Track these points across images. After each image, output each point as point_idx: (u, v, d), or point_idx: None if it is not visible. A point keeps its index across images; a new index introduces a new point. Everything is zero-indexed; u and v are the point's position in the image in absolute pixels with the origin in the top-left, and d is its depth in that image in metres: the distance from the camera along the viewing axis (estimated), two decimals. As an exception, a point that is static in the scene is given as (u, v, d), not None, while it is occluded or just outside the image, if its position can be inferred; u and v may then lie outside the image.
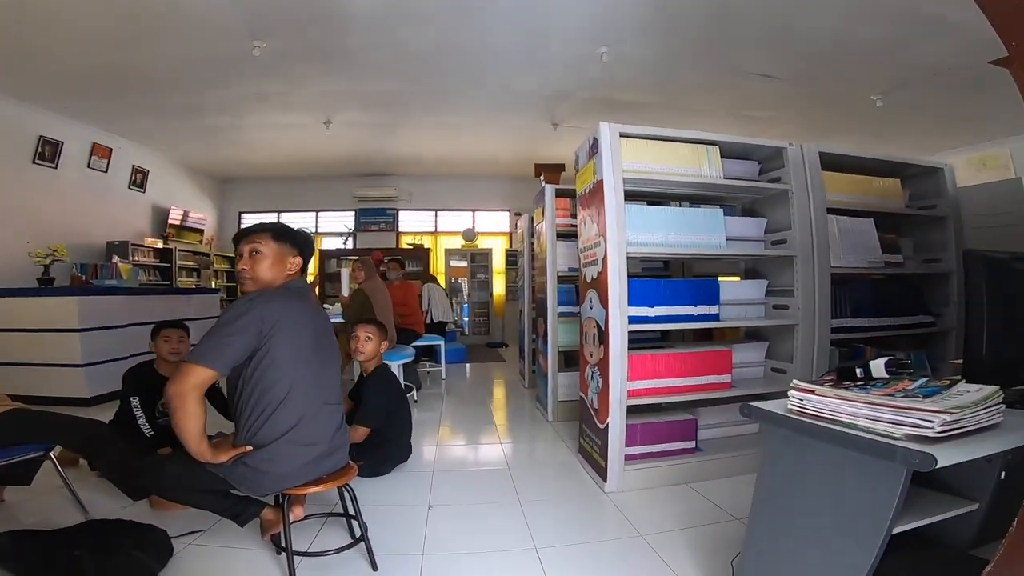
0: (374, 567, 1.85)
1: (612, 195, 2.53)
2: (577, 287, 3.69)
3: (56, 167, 6.06)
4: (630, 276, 2.54)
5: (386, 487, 2.65)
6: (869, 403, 1.15)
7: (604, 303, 2.57)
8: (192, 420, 1.57)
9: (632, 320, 2.55)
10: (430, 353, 5.89)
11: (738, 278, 3.33)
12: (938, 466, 0.98)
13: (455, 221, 10.03)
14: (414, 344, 4.90)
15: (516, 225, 8.14)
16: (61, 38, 4.20)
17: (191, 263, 8.41)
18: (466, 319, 9.30)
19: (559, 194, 4.10)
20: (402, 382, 3.69)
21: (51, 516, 2.16)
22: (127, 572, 1.70)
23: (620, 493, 2.53)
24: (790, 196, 2.82)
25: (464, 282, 9.34)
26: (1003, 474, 1.21)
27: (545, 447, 3.45)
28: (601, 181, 2.57)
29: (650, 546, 2.02)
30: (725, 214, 2.82)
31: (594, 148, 2.69)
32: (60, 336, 4.18)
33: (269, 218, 8.97)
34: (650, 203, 3.01)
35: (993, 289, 1.34)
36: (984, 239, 3.37)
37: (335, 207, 9.80)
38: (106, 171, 6.83)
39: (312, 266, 6.80)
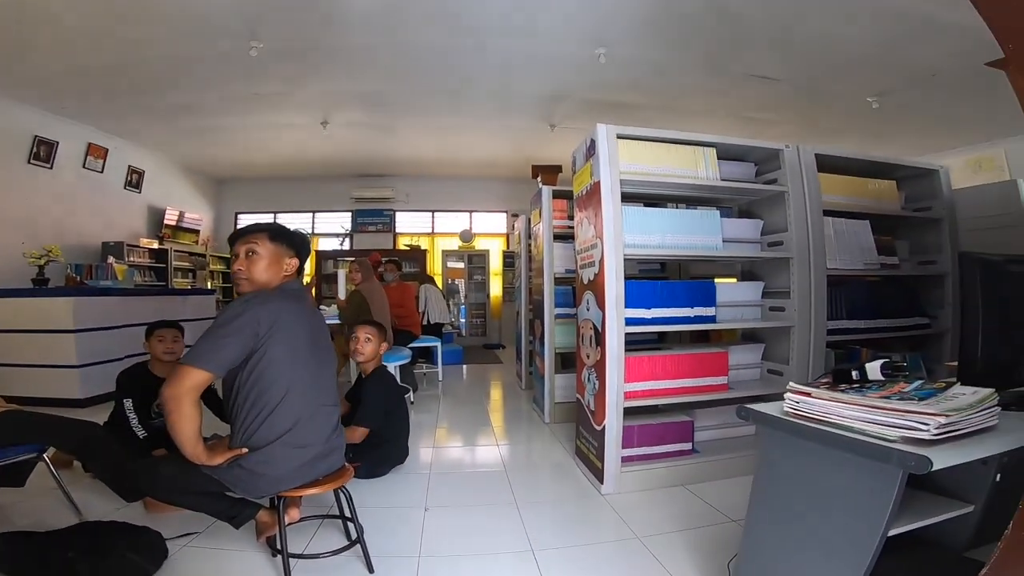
0: (370, 569, 1.84)
1: (609, 196, 2.53)
2: (574, 289, 3.68)
3: (51, 167, 6.03)
4: (627, 278, 2.54)
5: (382, 489, 2.64)
6: (865, 406, 1.16)
7: (601, 305, 2.57)
8: (188, 422, 1.56)
9: (629, 322, 2.55)
10: (427, 355, 5.88)
11: (735, 280, 3.34)
12: (933, 469, 0.98)
13: (452, 222, 10.03)
14: (411, 346, 4.89)
15: (513, 226, 8.14)
16: (57, 37, 4.18)
17: (187, 264, 8.39)
18: (463, 320, 9.28)
19: (556, 195, 4.10)
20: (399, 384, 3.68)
21: (44, 518, 2.14)
22: (121, 574, 1.69)
23: (617, 495, 2.53)
24: (786, 198, 2.82)
25: (461, 283, 9.33)
26: (998, 476, 1.21)
27: (542, 449, 3.44)
28: (598, 183, 2.57)
29: (647, 548, 2.02)
30: (722, 216, 2.82)
31: (591, 149, 2.69)
32: (55, 337, 4.16)
33: (265, 219, 8.94)
34: (647, 205, 3.02)
35: (988, 291, 1.35)
36: (979, 241, 3.39)
37: (332, 208, 9.78)
38: (102, 171, 6.80)
39: (308, 267, 6.78)
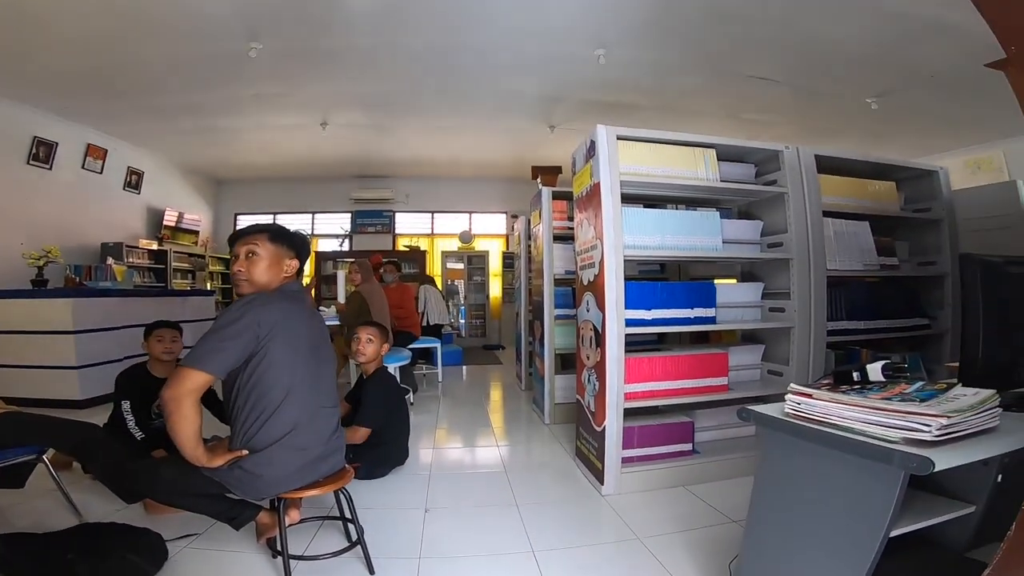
0: (371, 570, 1.84)
1: (609, 198, 2.53)
2: (574, 290, 3.68)
3: (50, 168, 6.03)
4: (626, 279, 2.54)
5: (382, 490, 2.64)
6: (866, 407, 1.16)
7: (601, 306, 2.57)
8: (188, 424, 1.56)
9: (629, 323, 2.55)
10: (426, 355, 5.87)
11: (734, 281, 3.34)
12: (935, 470, 0.99)
13: (452, 223, 10.03)
14: (410, 347, 4.89)
15: (513, 227, 8.13)
16: (56, 38, 4.18)
17: (186, 265, 8.38)
18: (463, 321, 9.28)
19: (556, 197, 4.10)
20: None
21: (44, 519, 2.14)
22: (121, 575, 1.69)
23: (617, 496, 2.53)
24: (786, 199, 2.83)
25: (461, 284, 9.32)
26: (1000, 477, 1.22)
27: (542, 450, 3.44)
28: (598, 184, 2.57)
29: (648, 549, 2.02)
30: (721, 217, 2.83)
31: (591, 151, 2.69)
32: (54, 338, 4.15)
33: (265, 220, 8.94)
34: (647, 206, 3.01)
35: (989, 293, 1.35)
36: (979, 242, 3.40)
37: (331, 209, 9.78)
38: (101, 172, 6.80)
39: (308, 268, 6.78)
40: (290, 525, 1.90)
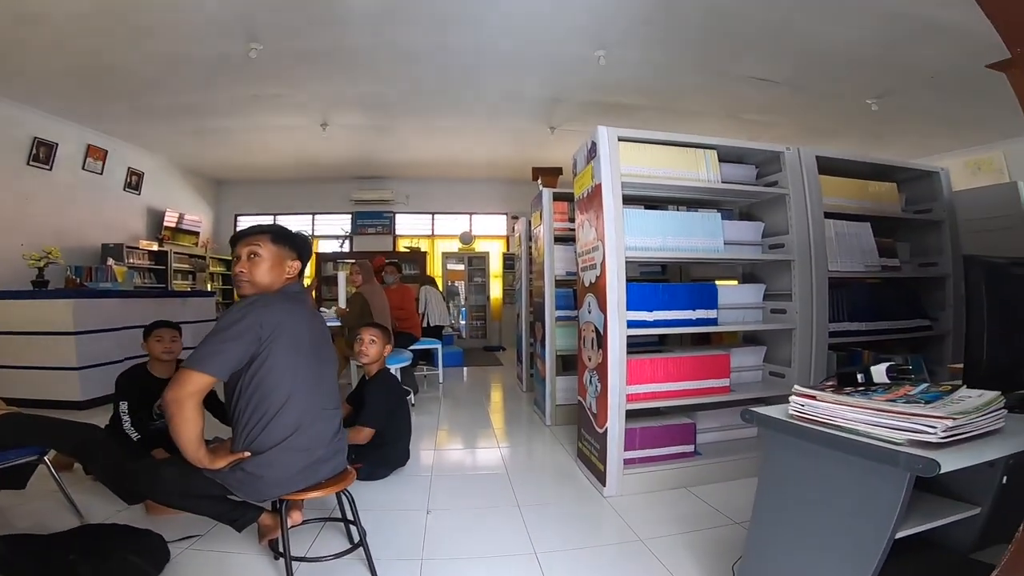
0: (373, 572, 1.83)
1: (611, 199, 2.53)
2: (575, 291, 3.69)
3: (51, 169, 6.03)
4: (628, 280, 2.54)
5: (384, 492, 2.64)
6: (871, 409, 1.16)
7: (603, 307, 2.57)
8: (190, 426, 1.55)
9: (631, 324, 2.55)
10: (427, 357, 5.87)
11: (736, 282, 3.34)
12: (941, 472, 0.98)
13: (452, 224, 10.04)
14: (411, 348, 4.88)
15: (513, 229, 8.14)
16: (56, 39, 4.18)
17: (186, 266, 8.38)
18: (463, 323, 9.28)
19: (557, 198, 4.10)
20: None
21: (45, 520, 2.14)
22: (122, 578, 1.68)
23: (619, 497, 2.52)
24: (787, 200, 2.83)
25: (461, 285, 9.32)
26: (1005, 478, 1.21)
27: (543, 451, 3.44)
28: (599, 185, 2.57)
29: (650, 551, 2.01)
30: (723, 218, 2.83)
31: (592, 152, 2.69)
32: (54, 339, 4.14)
33: (265, 221, 8.93)
34: (648, 207, 3.01)
35: (993, 294, 1.35)
36: (980, 243, 3.40)
37: (332, 210, 9.79)
38: (101, 173, 6.80)
39: (309, 269, 6.79)
40: (292, 527, 1.89)
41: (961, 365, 1.47)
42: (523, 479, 2.85)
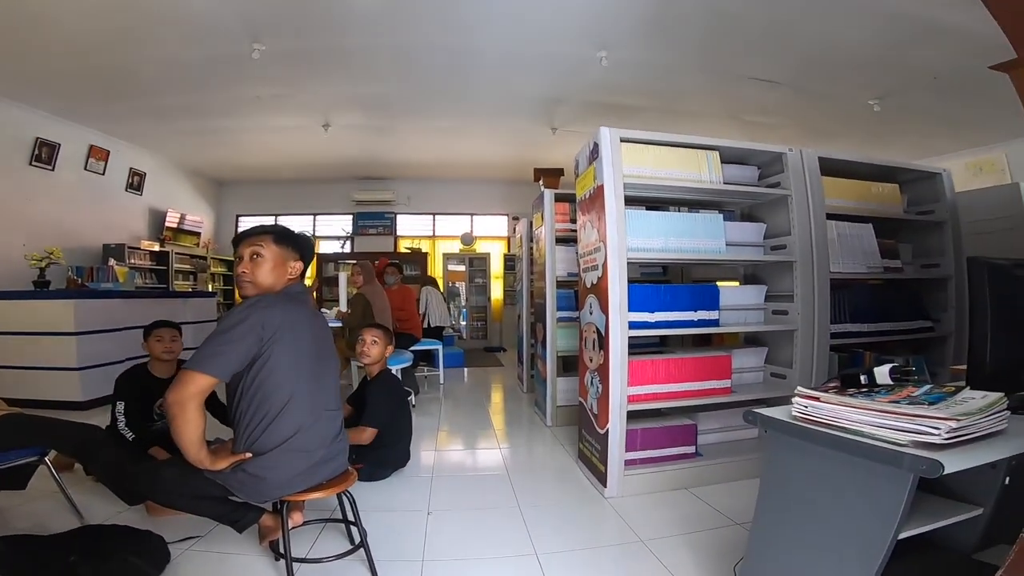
0: (373, 573, 1.83)
1: (613, 200, 2.53)
2: (576, 292, 3.68)
3: (53, 169, 6.04)
4: (629, 281, 2.54)
5: (385, 493, 2.63)
6: (875, 410, 1.15)
7: (604, 308, 2.56)
8: (191, 427, 1.55)
9: (632, 325, 2.54)
10: (428, 358, 5.87)
11: (737, 283, 3.33)
12: (945, 473, 0.98)
13: (453, 225, 10.04)
14: (412, 348, 4.88)
15: (514, 229, 8.14)
16: (59, 39, 4.19)
17: (188, 266, 8.39)
18: (464, 323, 9.27)
19: (558, 199, 4.09)
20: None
21: (46, 521, 2.14)
22: (123, 578, 1.68)
23: (620, 498, 2.52)
24: (789, 201, 2.82)
25: (462, 286, 9.31)
26: (1007, 479, 1.21)
27: (544, 452, 3.43)
28: (602, 186, 2.57)
29: (651, 552, 2.01)
30: (725, 219, 2.82)
31: (594, 153, 2.69)
32: (56, 339, 4.15)
33: (267, 221, 8.92)
34: (649, 208, 3.01)
35: (996, 295, 1.35)
36: (982, 245, 3.39)
37: (333, 211, 9.80)
38: (103, 173, 6.81)
39: (310, 270, 6.79)
40: (293, 528, 1.89)
41: (963, 366, 1.47)
42: (524, 480, 2.85)
